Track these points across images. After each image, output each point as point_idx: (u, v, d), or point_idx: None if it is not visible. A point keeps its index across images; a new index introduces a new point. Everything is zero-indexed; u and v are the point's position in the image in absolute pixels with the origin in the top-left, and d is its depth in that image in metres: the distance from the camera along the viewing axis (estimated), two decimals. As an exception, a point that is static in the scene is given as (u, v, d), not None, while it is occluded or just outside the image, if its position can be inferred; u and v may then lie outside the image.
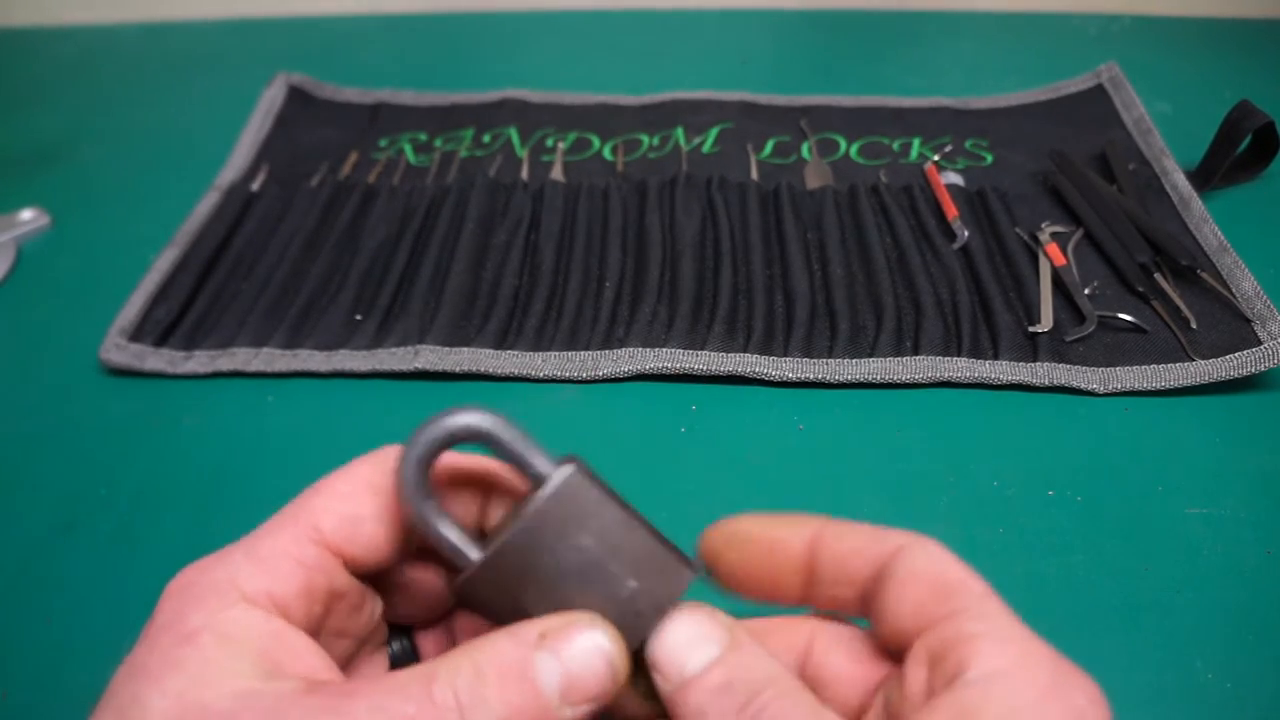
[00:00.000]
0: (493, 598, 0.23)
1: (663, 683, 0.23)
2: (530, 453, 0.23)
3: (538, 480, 0.23)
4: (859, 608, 0.24)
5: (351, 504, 0.23)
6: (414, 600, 0.26)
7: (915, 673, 0.21)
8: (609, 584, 0.23)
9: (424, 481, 0.23)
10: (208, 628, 0.21)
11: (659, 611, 0.23)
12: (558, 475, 0.23)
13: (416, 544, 0.25)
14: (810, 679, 0.24)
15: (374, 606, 0.25)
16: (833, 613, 0.25)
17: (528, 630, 0.22)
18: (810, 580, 0.24)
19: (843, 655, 0.24)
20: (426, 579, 0.26)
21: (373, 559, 0.24)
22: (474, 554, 0.23)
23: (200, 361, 0.47)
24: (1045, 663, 0.20)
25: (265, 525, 0.23)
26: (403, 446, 0.23)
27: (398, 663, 0.26)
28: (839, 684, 0.24)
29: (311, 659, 0.22)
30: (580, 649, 0.22)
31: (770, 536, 0.25)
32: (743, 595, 0.25)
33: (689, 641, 0.23)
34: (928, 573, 0.22)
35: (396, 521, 0.24)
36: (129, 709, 0.20)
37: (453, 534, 0.23)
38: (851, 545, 0.24)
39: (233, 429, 0.44)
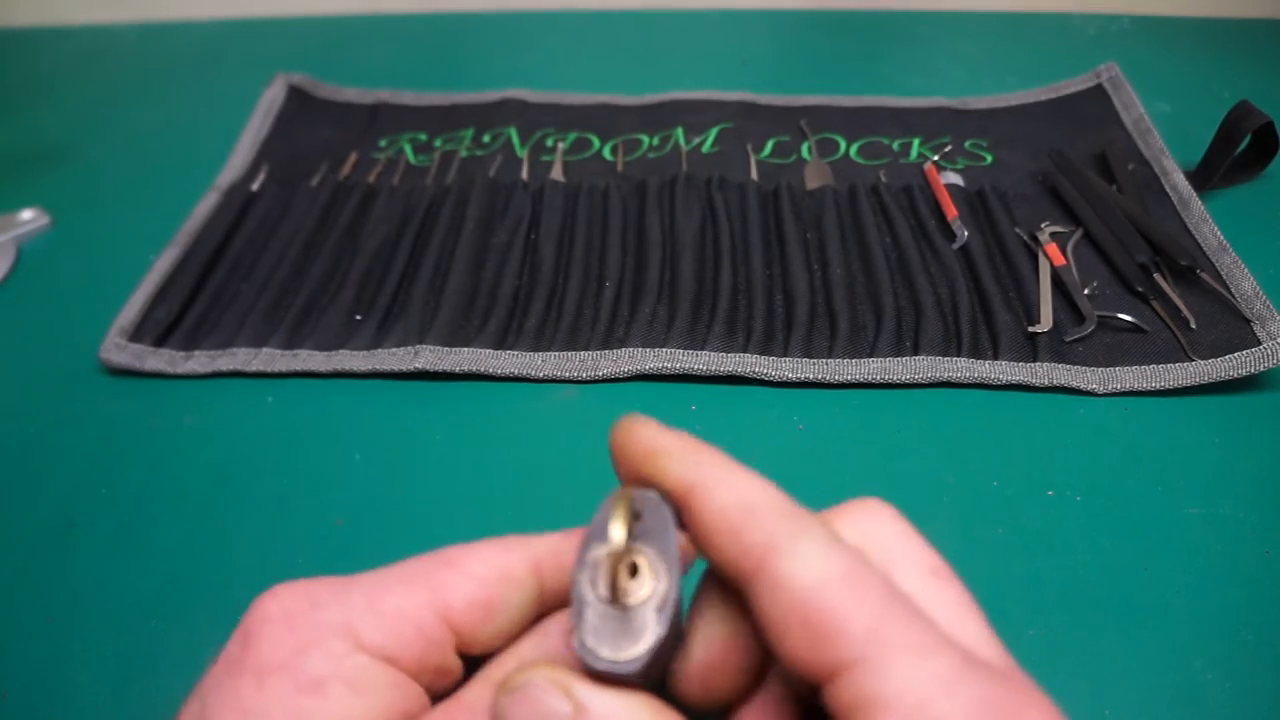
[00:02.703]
0: None
1: None
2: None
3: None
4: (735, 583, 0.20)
5: (486, 589, 0.22)
6: None
7: None
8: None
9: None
10: (336, 677, 0.20)
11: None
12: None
13: None
14: None
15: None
16: None
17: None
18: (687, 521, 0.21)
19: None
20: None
21: (488, 643, 0.23)
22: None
23: (200, 361, 0.47)
24: None
25: (388, 575, 0.22)
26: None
27: None
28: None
29: (425, 711, 0.21)
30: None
31: (650, 476, 0.21)
32: None
33: None
34: (797, 612, 0.18)
35: (521, 610, 0.23)
36: None
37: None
38: (712, 532, 0.20)
39: (233, 429, 0.44)
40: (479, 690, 0.21)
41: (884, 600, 0.18)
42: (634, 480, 0.22)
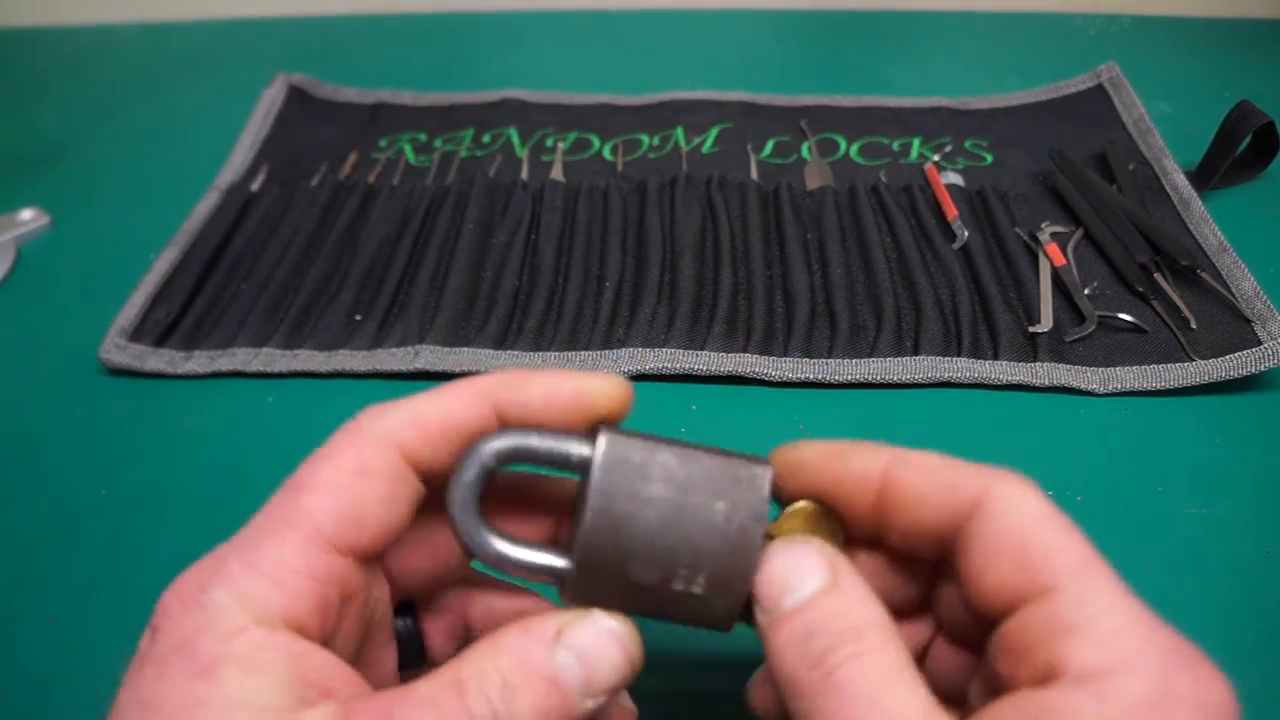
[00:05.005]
0: (603, 586, 0.22)
1: (759, 615, 0.22)
2: (564, 446, 0.23)
3: (584, 466, 0.23)
4: (936, 554, 0.22)
5: (349, 495, 0.22)
6: (419, 565, 0.25)
7: (1000, 658, 0.20)
8: (701, 517, 0.22)
9: (481, 523, 0.23)
10: (226, 657, 0.19)
11: (757, 515, 0.22)
12: (597, 449, 0.22)
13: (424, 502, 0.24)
14: (938, 598, 0.24)
15: (381, 592, 0.24)
16: None
17: (545, 627, 0.22)
18: (882, 520, 0.23)
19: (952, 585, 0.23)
20: (431, 543, 0.25)
21: (381, 544, 0.23)
22: (560, 563, 0.23)
23: (200, 362, 0.47)
24: (1153, 664, 0.18)
25: (257, 530, 0.21)
26: (450, 497, 0.23)
27: (403, 643, 0.26)
28: (950, 611, 0.23)
29: (337, 677, 0.21)
30: (595, 640, 0.22)
31: (836, 471, 0.23)
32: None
33: (786, 576, 0.21)
34: (1011, 539, 0.20)
35: (399, 498, 0.22)
36: None
37: (533, 557, 0.23)
38: (923, 491, 0.22)
39: (233, 429, 0.44)
40: (435, 689, 0.20)
41: (1087, 543, 0.20)
42: (811, 490, 0.24)
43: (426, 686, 0.20)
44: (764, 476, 0.23)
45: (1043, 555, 0.20)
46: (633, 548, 0.22)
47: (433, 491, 0.24)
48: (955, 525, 0.21)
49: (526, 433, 0.23)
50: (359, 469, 0.22)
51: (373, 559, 0.23)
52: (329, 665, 0.21)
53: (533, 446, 0.23)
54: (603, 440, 0.22)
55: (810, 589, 0.21)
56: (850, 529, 0.24)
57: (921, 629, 0.25)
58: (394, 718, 0.19)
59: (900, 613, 0.24)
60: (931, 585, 0.24)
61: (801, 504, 0.24)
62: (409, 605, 0.26)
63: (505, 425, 0.23)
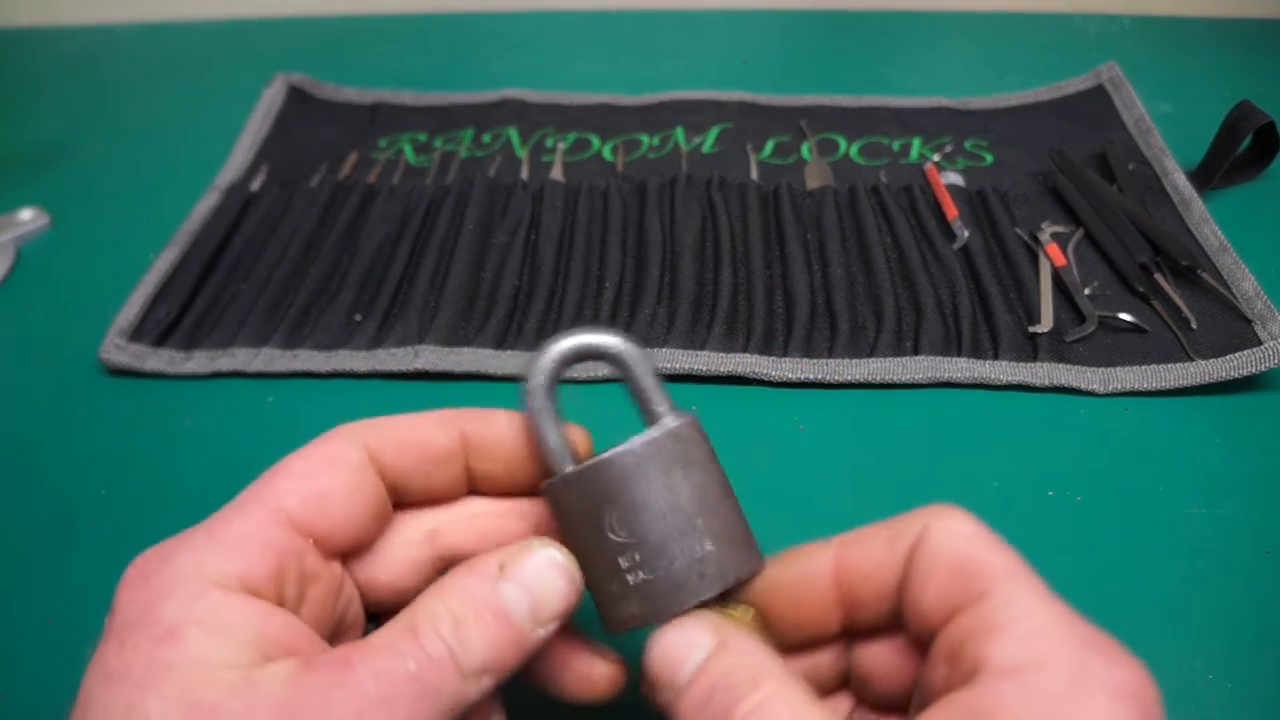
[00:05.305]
0: (576, 510, 0.23)
1: (660, 698, 0.22)
2: (656, 391, 0.24)
3: (654, 417, 0.24)
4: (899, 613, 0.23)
5: (315, 481, 0.23)
6: (389, 581, 0.26)
7: (935, 667, 0.21)
8: (688, 536, 0.23)
9: (550, 389, 0.24)
10: (189, 621, 0.20)
11: (720, 581, 0.23)
12: (682, 419, 0.24)
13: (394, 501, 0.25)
14: (859, 672, 0.24)
15: (351, 595, 0.25)
16: None
17: (488, 564, 0.22)
18: (849, 603, 0.23)
19: (885, 648, 0.24)
20: (403, 557, 0.26)
21: (343, 534, 0.24)
22: (569, 465, 0.24)
23: (200, 362, 0.47)
24: (1070, 655, 0.19)
25: (225, 510, 0.23)
26: (541, 351, 0.24)
27: None
28: (882, 678, 0.24)
29: (297, 635, 0.21)
30: (538, 570, 0.22)
31: (786, 579, 0.24)
32: (784, 640, 0.24)
33: (675, 650, 0.22)
34: (946, 558, 0.21)
35: (363, 488, 0.24)
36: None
37: (556, 442, 0.24)
38: (875, 557, 0.23)
39: (233, 429, 0.44)
40: (391, 635, 0.21)
41: (1017, 556, 0.21)
42: (752, 599, 0.24)
43: (382, 635, 0.21)
44: (751, 563, 0.24)
45: (975, 567, 0.21)
46: (625, 504, 0.23)
47: (397, 505, 0.25)
48: (906, 570, 0.22)
49: (642, 357, 0.24)
50: (328, 459, 0.23)
51: (337, 552, 0.24)
52: (290, 625, 0.21)
53: (634, 370, 0.24)
54: (687, 418, 0.24)
55: (700, 655, 0.21)
56: (816, 633, 0.24)
57: (839, 704, 0.25)
58: (353, 665, 0.20)
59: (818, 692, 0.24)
60: (844, 661, 0.25)
61: (732, 610, 0.24)
62: (372, 616, 0.27)
63: (473, 446, 0.25)
